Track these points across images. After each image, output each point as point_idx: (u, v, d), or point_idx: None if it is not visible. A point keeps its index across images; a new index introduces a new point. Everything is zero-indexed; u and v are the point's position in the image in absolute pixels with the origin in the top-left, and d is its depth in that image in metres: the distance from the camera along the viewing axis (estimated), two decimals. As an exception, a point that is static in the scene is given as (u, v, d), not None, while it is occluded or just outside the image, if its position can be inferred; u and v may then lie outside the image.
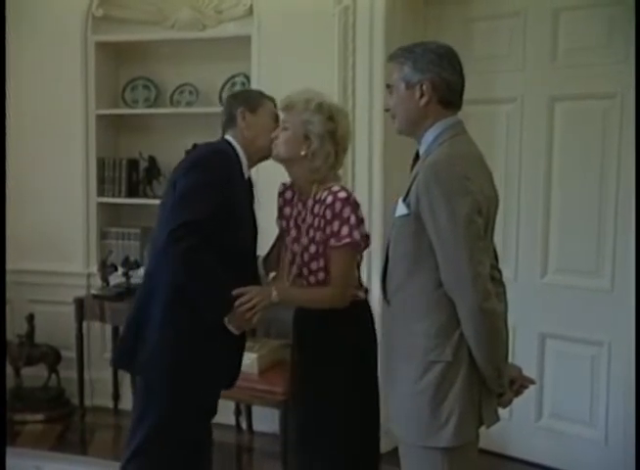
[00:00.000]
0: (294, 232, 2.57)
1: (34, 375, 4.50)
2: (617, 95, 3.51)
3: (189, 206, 2.38)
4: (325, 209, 2.43)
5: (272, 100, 2.69)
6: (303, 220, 2.53)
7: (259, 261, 2.69)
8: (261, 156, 2.63)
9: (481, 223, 2.03)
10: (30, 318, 4.47)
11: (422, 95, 2.10)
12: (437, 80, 2.10)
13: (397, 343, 2.16)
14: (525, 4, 3.73)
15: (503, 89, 3.81)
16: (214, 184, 2.41)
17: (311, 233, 2.48)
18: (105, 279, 4.40)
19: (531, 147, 3.77)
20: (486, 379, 2.07)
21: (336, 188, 2.46)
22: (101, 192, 4.58)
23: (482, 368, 2.04)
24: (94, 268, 4.54)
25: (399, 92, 2.15)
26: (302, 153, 2.48)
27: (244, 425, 4.25)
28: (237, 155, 2.57)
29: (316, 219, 2.47)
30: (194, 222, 2.35)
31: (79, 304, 4.35)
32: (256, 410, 4.18)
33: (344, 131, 2.53)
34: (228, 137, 2.62)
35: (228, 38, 4.31)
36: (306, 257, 2.50)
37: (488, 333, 2.01)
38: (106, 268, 4.40)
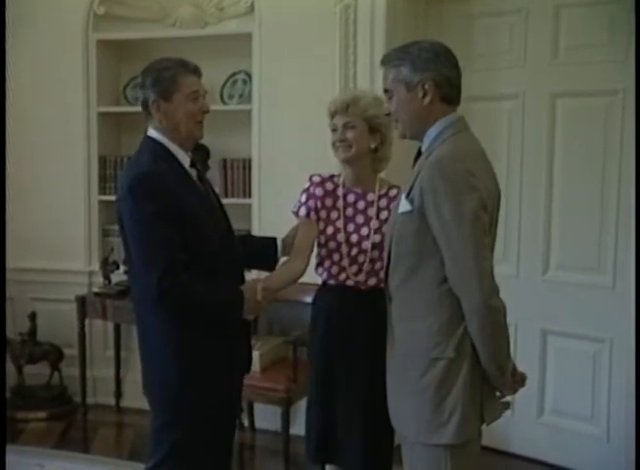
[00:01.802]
0: (340, 223, 2.65)
1: (37, 373, 4.51)
2: (618, 92, 3.51)
3: (155, 243, 2.28)
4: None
5: (191, 71, 2.43)
6: (360, 212, 2.65)
7: (279, 241, 2.72)
8: (192, 140, 2.47)
9: (487, 219, 2.02)
10: (33, 316, 4.48)
11: (425, 95, 2.07)
12: (439, 78, 2.07)
13: (399, 340, 2.15)
14: (526, 1, 3.73)
15: (504, 86, 3.81)
16: (159, 210, 2.28)
17: (375, 224, 2.63)
18: (107, 277, 4.41)
19: (533, 144, 3.77)
20: (489, 376, 2.07)
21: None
22: (102, 190, 4.59)
23: (486, 365, 2.04)
24: (96, 266, 4.54)
25: (400, 95, 2.10)
26: (372, 146, 2.63)
27: (246, 423, 4.25)
28: (167, 150, 2.40)
29: (382, 212, 2.64)
30: (170, 255, 2.29)
31: (81, 301, 4.35)
32: (258, 408, 4.18)
33: None
34: (151, 133, 2.43)
35: (229, 36, 4.31)
36: (366, 245, 2.61)
37: (493, 330, 2.00)
38: (107, 266, 4.40)
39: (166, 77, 2.38)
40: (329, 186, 2.70)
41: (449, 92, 2.10)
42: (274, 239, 2.73)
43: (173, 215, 2.30)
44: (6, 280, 3.82)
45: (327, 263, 2.68)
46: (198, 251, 2.36)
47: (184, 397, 2.41)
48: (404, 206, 2.07)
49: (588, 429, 3.71)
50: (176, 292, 2.31)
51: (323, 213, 2.67)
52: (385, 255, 2.21)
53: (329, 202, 2.68)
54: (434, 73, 2.06)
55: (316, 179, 2.72)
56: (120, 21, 4.47)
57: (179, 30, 4.40)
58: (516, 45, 3.79)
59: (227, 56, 4.33)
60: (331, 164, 3.90)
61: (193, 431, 2.43)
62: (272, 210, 4.16)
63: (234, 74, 4.42)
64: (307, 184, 2.73)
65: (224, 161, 4.36)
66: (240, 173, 4.34)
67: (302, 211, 2.68)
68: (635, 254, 3.33)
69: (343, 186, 2.69)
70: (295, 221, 2.75)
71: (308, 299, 3.93)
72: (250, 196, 4.29)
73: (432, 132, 2.10)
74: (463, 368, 2.03)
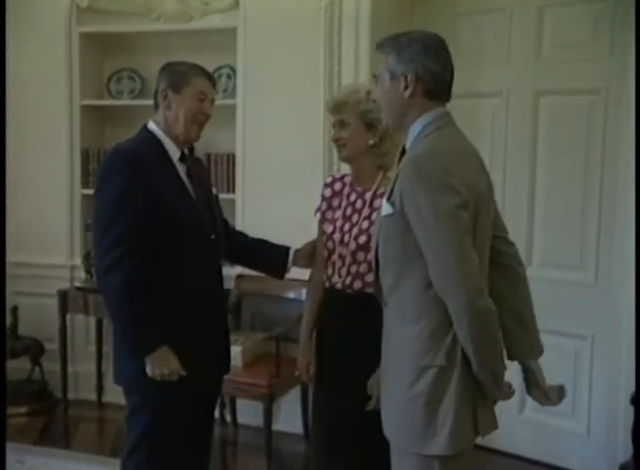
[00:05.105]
0: (340, 222, 2.60)
1: (18, 368, 4.47)
2: (601, 90, 3.52)
3: (113, 224, 2.35)
4: None
5: (206, 75, 2.55)
6: (356, 211, 2.57)
7: (291, 252, 2.71)
8: (185, 139, 2.54)
9: (468, 218, 1.92)
10: (14, 310, 4.45)
11: (406, 87, 2.02)
12: (422, 72, 2.01)
13: (391, 346, 2.08)
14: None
15: (488, 84, 3.82)
16: (125, 187, 2.36)
17: (365, 224, 2.52)
18: (89, 271, 4.38)
19: (516, 141, 3.78)
20: (482, 385, 1.97)
21: None
22: (85, 184, 4.56)
23: (477, 373, 1.94)
24: (78, 260, 4.52)
25: (384, 83, 2.06)
26: (371, 142, 2.53)
27: (228, 418, 4.24)
28: (157, 139, 2.50)
29: (375, 213, 2.46)
30: (124, 237, 2.34)
31: (63, 296, 4.33)
32: (240, 403, 4.18)
33: None
34: (150, 125, 2.54)
35: (214, 30, 4.30)
36: (353, 246, 2.52)
37: (483, 333, 1.90)
38: (90, 260, 4.37)
39: (180, 71, 2.52)
40: (337, 186, 2.66)
41: (433, 87, 2.04)
42: (288, 248, 2.73)
43: (141, 196, 2.35)
44: (6, 282, 3.78)
45: (328, 264, 2.61)
46: (165, 238, 2.40)
47: (145, 381, 2.43)
48: (386, 208, 2.00)
49: (569, 425, 3.74)
50: (117, 272, 2.33)
51: (329, 214, 2.64)
52: (372, 259, 2.14)
53: (335, 202, 2.64)
54: (418, 66, 2.01)
55: (328, 180, 2.71)
56: (104, 14, 4.44)
57: (163, 24, 4.38)
58: (500, 43, 3.80)
59: (211, 50, 4.30)
60: (316, 159, 3.94)
61: (161, 414, 2.46)
62: (256, 205, 4.16)
63: (218, 69, 4.40)
64: (322, 186, 2.71)
65: (208, 155, 4.34)
66: (224, 168, 4.33)
67: (318, 216, 2.69)
68: (635, 254, 3.30)
69: (350, 185, 2.64)
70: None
71: (291, 294, 3.96)
72: (233, 191, 4.28)
73: (414, 129, 2.04)
74: (454, 376, 1.94)
